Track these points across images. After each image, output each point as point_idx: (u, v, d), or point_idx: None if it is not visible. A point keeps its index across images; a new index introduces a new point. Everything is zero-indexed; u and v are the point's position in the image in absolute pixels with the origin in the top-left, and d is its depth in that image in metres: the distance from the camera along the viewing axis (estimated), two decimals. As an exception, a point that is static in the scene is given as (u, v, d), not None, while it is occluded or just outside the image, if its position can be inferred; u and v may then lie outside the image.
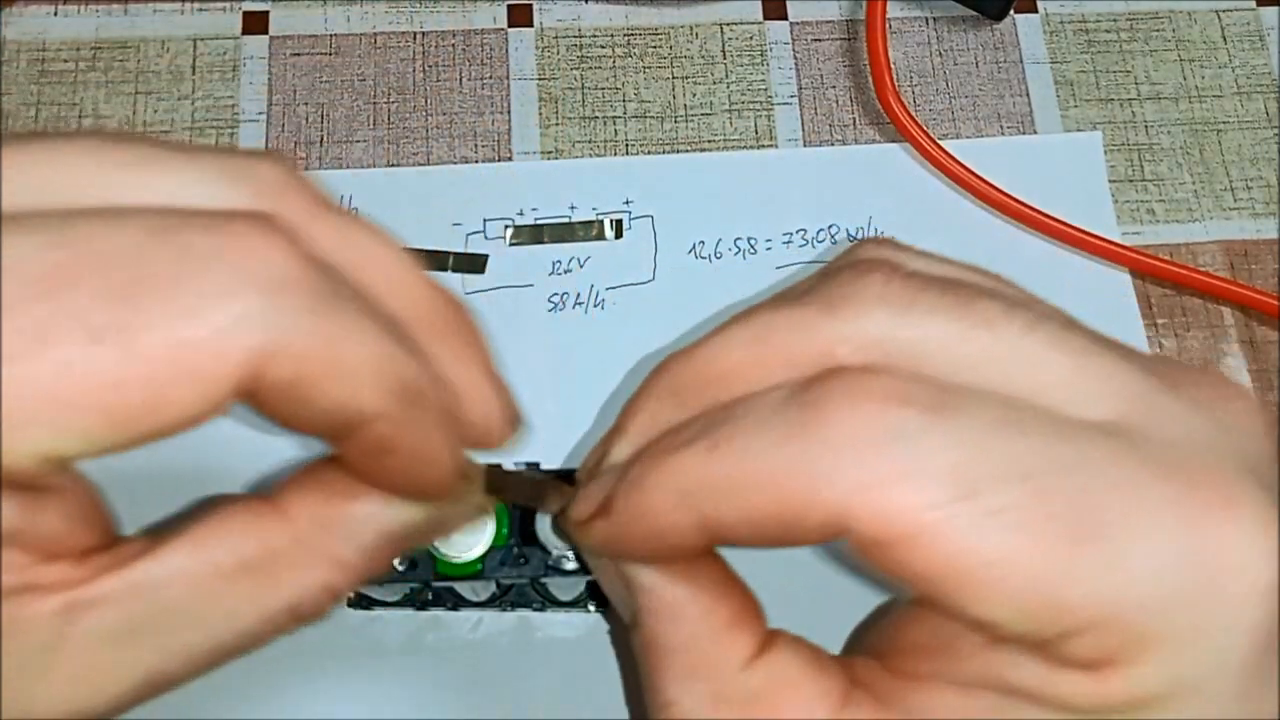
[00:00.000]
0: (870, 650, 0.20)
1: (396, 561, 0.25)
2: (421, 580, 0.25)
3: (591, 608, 0.28)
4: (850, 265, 0.19)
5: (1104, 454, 0.17)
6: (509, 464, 0.25)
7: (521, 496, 0.22)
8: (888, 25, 0.35)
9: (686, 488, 0.18)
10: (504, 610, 0.29)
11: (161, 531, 0.17)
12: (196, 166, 0.16)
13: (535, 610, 0.28)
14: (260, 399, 0.15)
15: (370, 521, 0.18)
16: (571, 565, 0.25)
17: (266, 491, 0.18)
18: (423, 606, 0.29)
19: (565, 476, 0.24)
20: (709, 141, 0.36)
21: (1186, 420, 0.17)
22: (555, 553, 0.24)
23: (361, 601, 0.29)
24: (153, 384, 0.14)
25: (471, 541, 0.24)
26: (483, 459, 0.25)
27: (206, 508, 0.17)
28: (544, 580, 0.27)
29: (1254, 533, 0.16)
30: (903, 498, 0.16)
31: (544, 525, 0.23)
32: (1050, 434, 0.17)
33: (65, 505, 0.16)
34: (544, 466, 0.25)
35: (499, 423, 0.19)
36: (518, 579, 0.25)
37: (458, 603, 0.28)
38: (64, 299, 0.14)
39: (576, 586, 0.28)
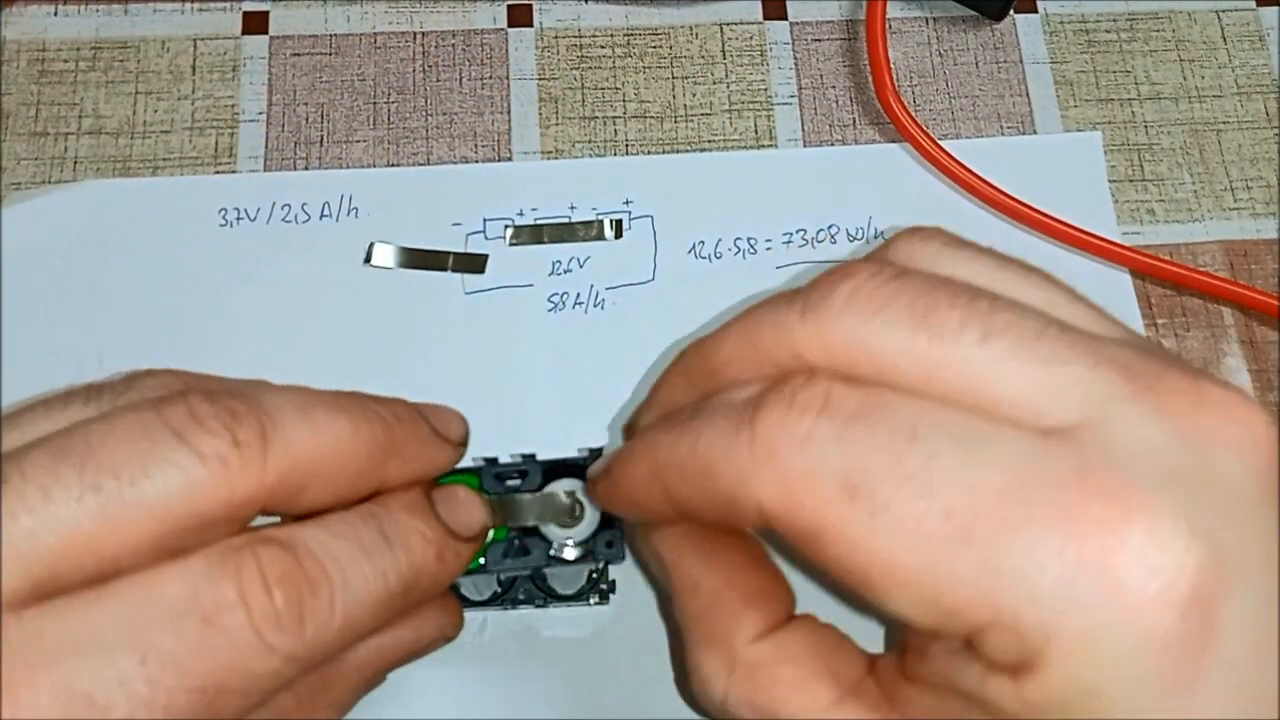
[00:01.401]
0: (898, 646, 0.21)
1: None
2: None
3: (593, 600, 0.28)
4: (837, 268, 0.20)
5: (1011, 461, 0.17)
6: (505, 457, 0.25)
7: (528, 518, 0.25)
8: (888, 25, 0.35)
9: (656, 464, 0.21)
10: (505, 609, 0.29)
11: None
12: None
13: (537, 607, 0.28)
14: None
15: (360, 670, 0.23)
16: (572, 554, 0.25)
17: None
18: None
19: (561, 467, 0.25)
20: (709, 141, 0.36)
21: (1140, 430, 0.17)
22: (556, 542, 0.25)
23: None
24: None
25: None
26: (478, 457, 0.25)
27: None
28: (546, 571, 0.27)
29: (1155, 545, 0.16)
30: (803, 497, 0.18)
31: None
32: (955, 440, 0.17)
33: None
34: (540, 457, 0.25)
35: (452, 455, 0.23)
36: (521, 571, 0.25)
37: (460, 601, 0.28)
38: None
39: (577, 580, 0.28)
